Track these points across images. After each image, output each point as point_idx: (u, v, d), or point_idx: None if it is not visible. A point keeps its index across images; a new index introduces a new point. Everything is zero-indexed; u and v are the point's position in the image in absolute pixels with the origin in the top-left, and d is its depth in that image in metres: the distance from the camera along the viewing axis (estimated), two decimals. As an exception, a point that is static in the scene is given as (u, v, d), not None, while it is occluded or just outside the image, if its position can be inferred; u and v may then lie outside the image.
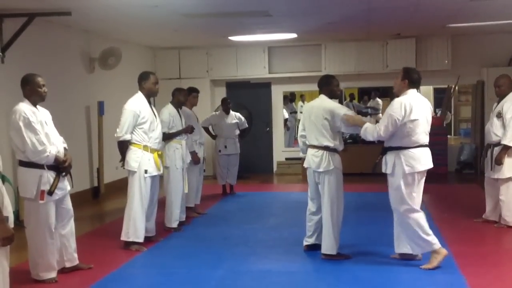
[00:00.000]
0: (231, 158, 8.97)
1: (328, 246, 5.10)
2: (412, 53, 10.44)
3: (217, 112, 9.32)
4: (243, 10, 7.14)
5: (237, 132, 9.04)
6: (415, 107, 4.67)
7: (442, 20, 8.53)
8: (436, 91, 15.01)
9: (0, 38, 6.62)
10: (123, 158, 5.66)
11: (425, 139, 4.78)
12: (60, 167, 4.58)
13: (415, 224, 4.73)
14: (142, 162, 5.57)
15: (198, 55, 11.25)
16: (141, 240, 5.66)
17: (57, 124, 4.81)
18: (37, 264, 4.61)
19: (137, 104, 5.59)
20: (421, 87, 13.91)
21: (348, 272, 4.80)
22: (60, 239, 4.76)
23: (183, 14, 7.24)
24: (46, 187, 4.48)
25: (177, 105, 6.71)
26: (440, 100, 13.53)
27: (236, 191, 9.15)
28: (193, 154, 6.97)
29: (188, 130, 6.72)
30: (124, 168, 5.69)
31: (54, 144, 4.57)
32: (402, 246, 4.97)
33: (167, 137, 6.37)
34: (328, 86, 5.23)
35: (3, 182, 3.44)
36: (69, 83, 8.26)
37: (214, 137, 9.06)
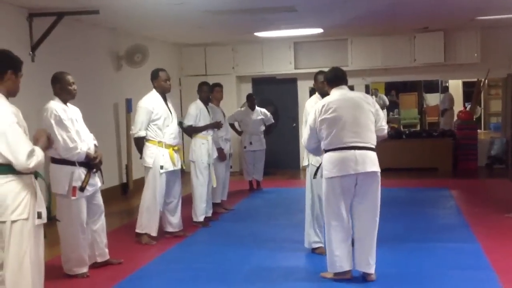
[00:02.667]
0: (257, 154, 8.99)
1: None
2: (440, 46, 10.28)
3: (242, 108, 9.34)
4: (268, 6, 7.13)
5: (263, 128, 9.04)
6: (333, 105, 4.27)
7: (471, 12, 8.37)
8: (465, 85, 14.81)
9: (30, 37, 6.74)
10: (141, 154, 5.79)
11: (351, 140, 4.22)
12: (91, 163, 4.66)
13: (327, 238, 4.42)
14: (156, 158, 5.68)
15: (224, 52, 11.27)
16: (153, 233, 5.75)
17: (86, 122, 4.88)
18: (69, 259, 4.70)
19: (150, 102, 5.74)
20: (450, 81, 13.95)
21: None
22: (91, 234, 4.84)
23: (208, 11, 7.26)
24: (78, 184, 4.56)
25: (203, 100, 6.77)
26: (470, 94, 13.33)
27: (262, 187, 9.16)
28: (220, 150, 7.00)
29: (216, 125, 6.77)
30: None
31: (85, 141, 4.64)
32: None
33: (193, 131, 6.46)
34: (314, 82, 5.26)
35: (36, 177, 3.51)
36: (98, 81, 8.36)
37: (239, 133, 9.10)
